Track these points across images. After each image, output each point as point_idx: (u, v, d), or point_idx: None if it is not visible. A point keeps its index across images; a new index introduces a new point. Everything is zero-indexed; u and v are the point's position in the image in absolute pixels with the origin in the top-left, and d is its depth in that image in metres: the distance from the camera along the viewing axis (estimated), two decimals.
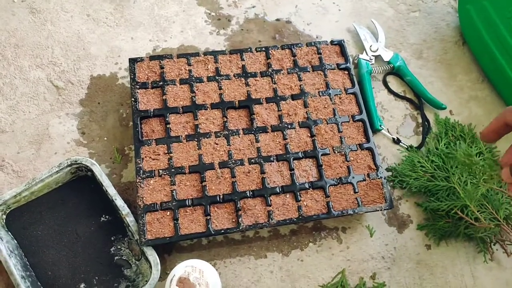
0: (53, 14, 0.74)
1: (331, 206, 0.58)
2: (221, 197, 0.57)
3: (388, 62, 0.73)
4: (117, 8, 0.75)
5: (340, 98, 0.66)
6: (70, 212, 0.59)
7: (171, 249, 0.59)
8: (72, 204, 0.59)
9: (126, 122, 0.66)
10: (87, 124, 0.66)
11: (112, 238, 0.58)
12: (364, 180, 0.60)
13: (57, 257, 0.57)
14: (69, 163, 0.57)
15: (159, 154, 0.59)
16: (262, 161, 0.60)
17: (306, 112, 0.64)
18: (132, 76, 0.63)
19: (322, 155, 0.61)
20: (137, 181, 0.57)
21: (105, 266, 0.57)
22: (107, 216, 0.59)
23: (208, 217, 0.56)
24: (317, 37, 0.76)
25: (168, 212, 0.56)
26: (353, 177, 0.60)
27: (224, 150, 0.60)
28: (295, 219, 0.57)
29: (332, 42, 0.70)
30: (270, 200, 0.58)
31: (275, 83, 0.66)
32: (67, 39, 0.72)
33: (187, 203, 0.56)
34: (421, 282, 0.59)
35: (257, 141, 0.61)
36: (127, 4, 0.76)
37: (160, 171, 0.58)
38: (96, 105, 0.67)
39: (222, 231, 0.55)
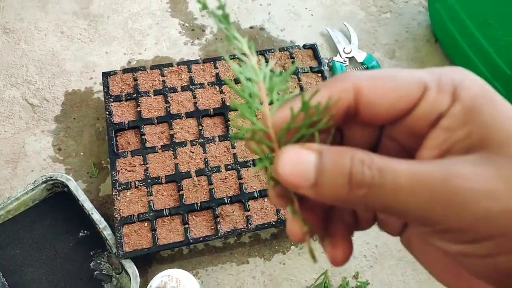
0: (27, 33, 0.74)
1: None
2: (199, 205, 0.57)
3: (362, 63, 0.74)
4: (90, 24, 0.76)
5: None
6: (48, 229, 0.58)
7: (152, 260, 0.58)
8: (50, 221, 0.59)
9: (102, 136, 0.66)
10: (63, 140, 0.65)
11: (91, 253, 0.57)
12: None
13: (36, 275, 0.56)
14: (44, 179, 0.57)
15: (135, 166, 0.59)
16: (239, 167, 0.60)
17: None
18: (106, 90, 0.63)
19: None
20: (114, 193, 0.57)
21: (85, 281, 0.56)
22: (85, 231, 0.58)
23: (187, 226, 0.56)
24: (291, 42, 0.77)
25: (146, 223, 0.56)
26: None
27: (200, 158, 0.60)
28: (274, 223, 0.57)
29: (304, 46, 0.71)
30: (248, 205, 0.58)
31: None
32: (41, 57, 0.72)
33: (165, 213, 0.56)
34: (404, 278, 0.59)
35: (233, 147, 0.61)
36: (101, 19, 0.76)
37: (137, 182, 0.58)
38: (72, 121, 0.67)
39: (201, 239, 0.55)
